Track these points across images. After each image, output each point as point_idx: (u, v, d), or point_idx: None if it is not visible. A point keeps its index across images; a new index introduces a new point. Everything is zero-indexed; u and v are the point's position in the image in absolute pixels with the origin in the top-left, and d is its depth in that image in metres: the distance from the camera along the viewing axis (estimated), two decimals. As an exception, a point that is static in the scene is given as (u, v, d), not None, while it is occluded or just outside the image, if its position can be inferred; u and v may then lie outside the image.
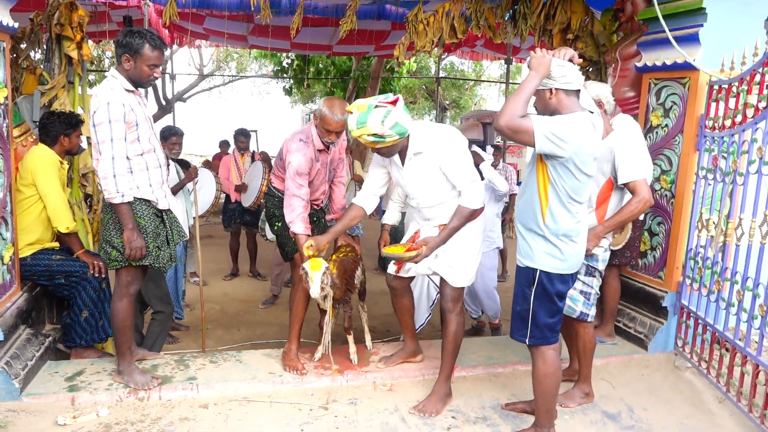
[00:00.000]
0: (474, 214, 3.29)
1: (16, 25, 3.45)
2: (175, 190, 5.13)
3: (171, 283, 5.27)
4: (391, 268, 3.67)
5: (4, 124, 3.39)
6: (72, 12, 4.21)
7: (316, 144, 3.65)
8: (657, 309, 4.29)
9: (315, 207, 3.92)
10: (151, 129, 3.31)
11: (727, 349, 3.65)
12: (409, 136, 3.18)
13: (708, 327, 3.85)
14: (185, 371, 3.64)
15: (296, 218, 3.56)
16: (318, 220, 3.95)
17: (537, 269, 2.86)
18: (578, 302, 3.43)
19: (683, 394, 3.75)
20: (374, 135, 3.01)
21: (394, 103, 3.05)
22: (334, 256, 3.78)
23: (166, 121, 14.77)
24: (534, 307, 2.89)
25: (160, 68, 3.26)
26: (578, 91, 2.79)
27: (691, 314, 4.03)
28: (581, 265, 3.28)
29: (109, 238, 3.24)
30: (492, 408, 3.49)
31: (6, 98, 3.37)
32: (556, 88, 2.75)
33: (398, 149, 3.23)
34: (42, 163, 3.74)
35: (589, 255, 3.37)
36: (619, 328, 4.49)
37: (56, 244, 3.95)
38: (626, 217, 3.35)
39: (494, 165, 8.17)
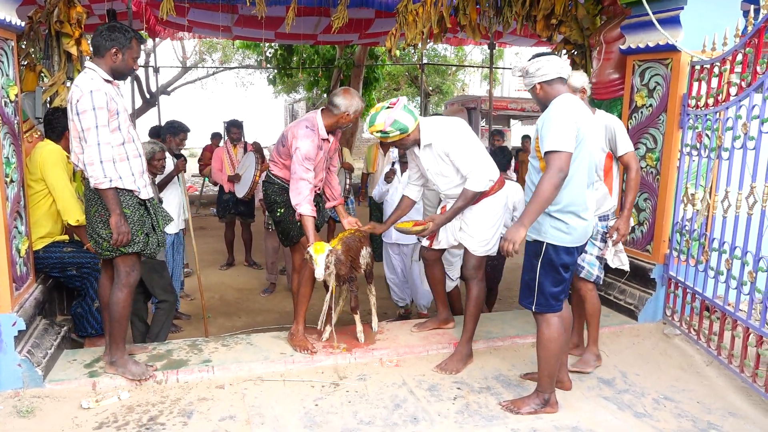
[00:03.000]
0: (478, 196, 3.70)
1: (23, 23, 3.53)
2: (164, 183, 5.24)
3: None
4: (425, 242, 4.08)
5: (15, 121, 3.49)
6: (70, 9, 4.28)
7: (321, 133, 3.81)
8: (645, 281, 4.51)
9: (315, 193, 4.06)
10: (129, 119, 3.38)
11: (717, 317, 3.87)
12: (419, 130, 3.71)
13: (697, 296, 4.07)
14: (199, 355, 3.78)
15: (303, 200, 3.71)
16: (317, 205, 4.09)
17: (544, 242, 3.09)
18: (594, 266, 3.74)
19: (673, 359, 3.98)
20: (380, 131, 3.64)
21: (394, 104, 3.66)
22: (340, 235, 3.95)
23: (152, 115, 14.75)
24: (540, 277, 3.12)
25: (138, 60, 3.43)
26: (560, 78, 3.09)
27: (679, 284, 4.26)
28: (597, 231, 3.67)
29: (97, 230, 3.28)
30: (494, 378, 3.69)
31: (16, 96, 3.46)
32: (539, 83, 3.11)
33: (410, 143, 3.77)
34: (50, 158, 3.84)
35: (603, 221, 3.72)
36: (609, 300, 4.72)
37: (66, 237, 4.07)
38: (636, 190, 3.79)
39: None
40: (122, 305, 3.38)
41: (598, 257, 3.75)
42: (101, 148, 3.14)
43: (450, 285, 4.88)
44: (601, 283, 3.84)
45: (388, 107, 3.64)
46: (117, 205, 3.21)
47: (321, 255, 3.54)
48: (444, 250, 4.13)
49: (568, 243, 3.08)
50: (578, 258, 3.62)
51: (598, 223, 3.70)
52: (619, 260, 3.82)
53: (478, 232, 3.78)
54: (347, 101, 3.80)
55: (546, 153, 2.95)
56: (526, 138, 11.03)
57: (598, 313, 3.87)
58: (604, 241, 3.75)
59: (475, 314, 3.83)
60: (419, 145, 3.77)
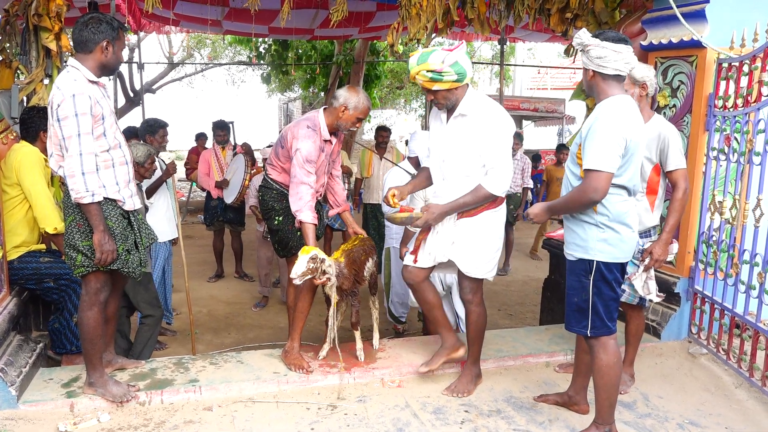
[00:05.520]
0: (490, 199, 3.51)
1: (-3, 17, 3.56)
2: (153, 188, 5.26)
3: (159, 287, 5.41)
4: (408, 259, 3.76)
5: (-12, 122, 3.51)
6: (49, 1, 4.30)
7: (323, 133, 3.82)
8: (669, 296, 4.49)
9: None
10: (116, 123, 3.36)
11: (749, 335, 3.86)
12: (465, 91, 3.47)
13: (726, 312, 4.07)
14: (186, 374, 3.78)
15: (304, 206, 3.70)
16: (318, 213, 4.10)
17: (593, 260, 3.04)
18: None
19: (699, 380, 3.97)
20: (433, 71, 3.32)
21: (453, 49, 3.38)
22: (343, 246, 3.95)
23: (135, 114, 14.82)
24: (594, 298, 3.06)
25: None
26: (618, 75, 3.02)
27: (706, 300, 4.26)
28: (639, 250, 3.62)
29: (73, 242, 3.25)
30: (504, 401, 3.68)
31: (-12, 94, 3.49)
32: (593, 71, 3.02)
33: (453, 100, 3.46)
34: (27, 161, 3.85)
35: (645, 237, 3.69)
36: (630, 316, 4.72)
37: (43, 246, 4.08)
38: (681, 213, 3.64)
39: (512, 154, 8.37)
40: (93, 325, 3.33)
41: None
42: (83, 158, 3.09)
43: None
44: (645, 305, 3.84)
45: (443, 50, 3.36)
46: (101, 221, 3.17)
47: (304, 255, 3.49)
48: (431, 269, 3.75)
49: (619, 258, 3.04)
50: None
51: (639, 241, 3.66)
52: (648, 288, 3.70)
53: (473, 250, 3.57)
54: (347, 93, 3.80)
55: (586, 169, 2.94)
56: (562, 149, 9.82)
57: (641, 335, 3.92)
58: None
59: (478, 338, 3.76)
60: (451, 112, 3.52)
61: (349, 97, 3.79)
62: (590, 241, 3.03)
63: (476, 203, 3.50)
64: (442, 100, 3.47)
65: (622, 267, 3.09)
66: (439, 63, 3.29)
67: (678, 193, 3.61)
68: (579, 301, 3.11)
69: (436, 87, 3.37)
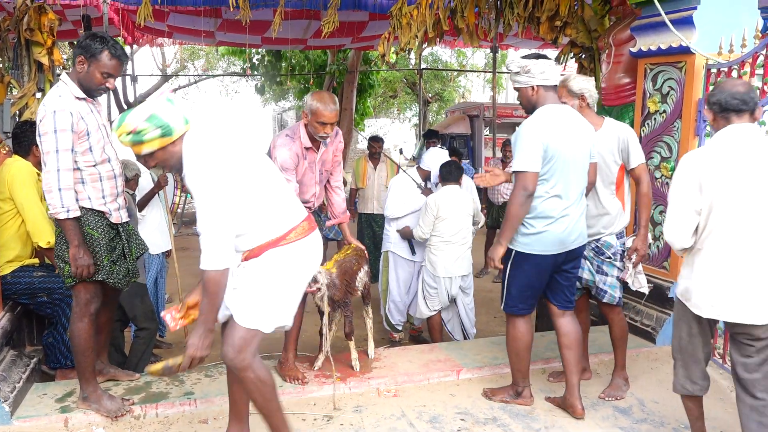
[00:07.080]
0: (221, 285, 2.59)
1: (-11, 32, 3.57)
2: (145, 200, 5.25)
3: (152, 300, 5.38)
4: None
5: (-21, 137, 3.51)
6: (41, 16, 4.32)
7: (303, 141, 3.82)
8: (663, 300, 4.51)
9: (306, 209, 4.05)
10: (107, 137, 3.35)
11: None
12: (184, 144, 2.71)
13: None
14: (181, 387, 3.77)
15: None
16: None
17: (513, 249, 3.45)
18: (616, 288, 3.78)
19: (694, 385, 3.97)
20: (131, 133, 2.61)
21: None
22: (336, 256, 3.94)
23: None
24: (508, 280, 3.53)
25: (114, 80, 3.28)
26: (555, 86, 3.42)
27: (699, 303, 4.25)
28: (616, 251, 3.73)
29: (61, 253, 3.28)
30: (501, 408, 3.67)
31: (-19, 110, 3.49)
32: (537, 85, 3.36)
33: (177, 159, 2.71)
34: (19, 175, 3.85)
35: (621, 238, 3.78)
36: (625, 322, 4.72)
37: (36, 261, 4.06)
38: (650, 206, 3.83)
39: (507, 162, 8.44)
40: (84, 337, 3.32)
41: (618, 279, 3.76)
42: (60, 174, 3.10)
43: (427, 313, 5.11)
44: (621, 305, 3.86)
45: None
46: (75, 236, 3.18)
47: None
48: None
49: (535, 250, 3.38)
50: (599, 281, 3.76)
51: (616, 242, 3.73)
52: (639, 282, 3.79)
53: (248, 293, 2.76)
54: (309, 100, 3.75)
55: (513, 172, 3.34)
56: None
57: (626, 337, 3.91)
58: (622, 260, 3.76)
59: (267, 416, 2.85)
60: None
61: (308, 103, 3.75)
62: (518, 235, 3.41)
63: (212, 296, 2.59)
64: (163, 164, 2.74)
65: (539, 259, 3.38)
66: (133, 123, 2.60)
67: (643, 187, 3.73)
68: (502, 280, 3.58)
69: (146, 150, 2.64)
